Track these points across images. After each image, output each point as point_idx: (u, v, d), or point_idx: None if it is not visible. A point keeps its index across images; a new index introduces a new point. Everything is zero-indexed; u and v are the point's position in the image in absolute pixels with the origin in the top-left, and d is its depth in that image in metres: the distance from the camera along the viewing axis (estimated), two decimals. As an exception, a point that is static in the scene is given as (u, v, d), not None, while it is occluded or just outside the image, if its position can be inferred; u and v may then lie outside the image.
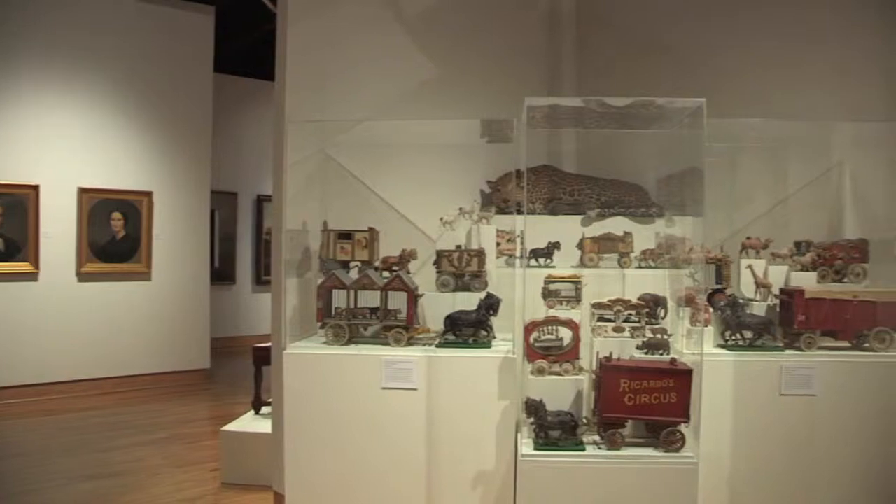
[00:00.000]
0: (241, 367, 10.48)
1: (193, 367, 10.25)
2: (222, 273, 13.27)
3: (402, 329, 4.23)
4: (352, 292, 4.32)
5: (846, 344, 4.33)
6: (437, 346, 4.19)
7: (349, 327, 4.28)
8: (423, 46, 5.54)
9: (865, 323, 4.26)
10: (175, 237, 10.08)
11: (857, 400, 4.16)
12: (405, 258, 4.47)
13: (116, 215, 9.60)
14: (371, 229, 4.52)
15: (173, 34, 10.07)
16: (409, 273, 4.45)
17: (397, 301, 4.29)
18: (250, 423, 6.14)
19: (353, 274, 4.46)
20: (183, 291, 10.17)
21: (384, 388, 4.08)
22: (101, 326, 9.46)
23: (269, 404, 5.98)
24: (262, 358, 6.23)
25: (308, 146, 4.85)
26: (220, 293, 12.63)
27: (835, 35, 5.23)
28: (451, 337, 4.20)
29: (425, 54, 5.55)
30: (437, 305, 4.40)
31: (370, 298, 4.33)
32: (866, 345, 4.27)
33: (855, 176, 5.04)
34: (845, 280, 4.51)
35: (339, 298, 4.35)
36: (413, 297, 4.27)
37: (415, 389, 4.07)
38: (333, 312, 4.35)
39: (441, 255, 4.50)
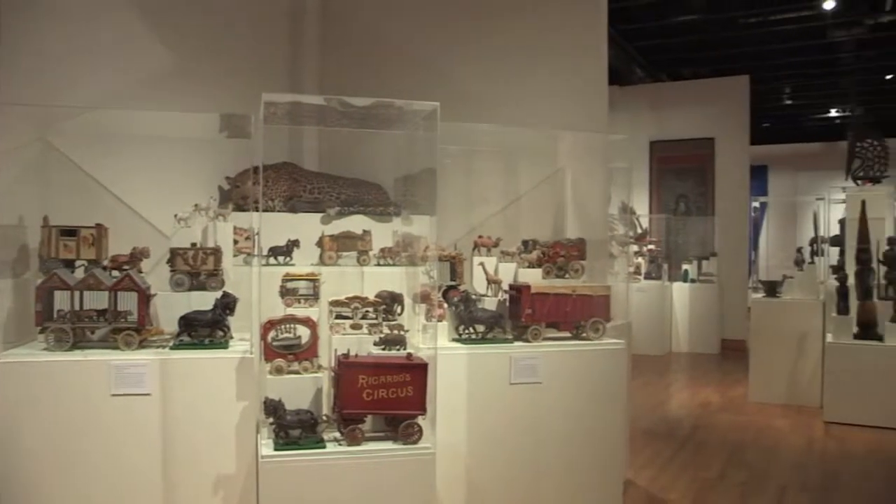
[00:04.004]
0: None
1: None
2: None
3: (133, 331, 3.97)
4: (76, 293, 4.00)
5: (567, 334, 4.71)
6: (171, 347, 3.99)
7: (73, 331, 3.95)
8: (160, 34, 5.26)
9: (583, 314, 4.67)
10: None
11: (577, 384, 4.57)
12: (136, 256, 4.21)
13: None
14: (99, 226, 4.20)
15: None
16: (140, 272, 4.20)
17: (128, 302, 4.03)
18: (-44, 444, 5.46)
19: (79, 273, 4.13)
20: None
21: (114, 395, 3.80)
22: None
23: (-21, 420, 5.36)
24: (-28, 368, 5.58)
25: (25, 132, 4.44)
26: (-77, 297, 11.12)
27: (559, 53, 5.70)
28: (186, 338, 4.02)
29: (162, 42, 5.28)
30: (172, 306, 4.18)
31: (98, 300, 4.03)
32: (584, 334, 4.68)
33: (574, 181, 5.51)
34: (567, 276, 4.90)
35: (63, 300, 4.00)
36: (145, 298, 4.03)
37: (148, 394, 3.84)
38: (55, 315, 4.00)
39: (175, 254, 4.29)
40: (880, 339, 8.30)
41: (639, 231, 13.37)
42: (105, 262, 4.20)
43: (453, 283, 4.71)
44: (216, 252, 4.32)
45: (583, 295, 4.66)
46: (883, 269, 8.44)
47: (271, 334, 3.86)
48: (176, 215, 4.42)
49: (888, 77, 16.47)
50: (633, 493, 5.93)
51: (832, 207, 9.69)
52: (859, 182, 9.21)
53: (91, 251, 4.16)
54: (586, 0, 5.94)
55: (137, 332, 3.98)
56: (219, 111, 4.80)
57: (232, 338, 4.10)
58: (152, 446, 3.85)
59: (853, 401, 8.27)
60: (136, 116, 4.69)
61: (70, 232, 4.14)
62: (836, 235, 9.13)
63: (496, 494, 4.43)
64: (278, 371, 3.84)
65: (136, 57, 5.14)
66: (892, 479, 6.62)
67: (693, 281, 14.20)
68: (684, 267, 14.37)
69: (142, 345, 3.99)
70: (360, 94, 4.24)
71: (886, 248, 8.43)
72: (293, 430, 3.63)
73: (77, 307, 4.00)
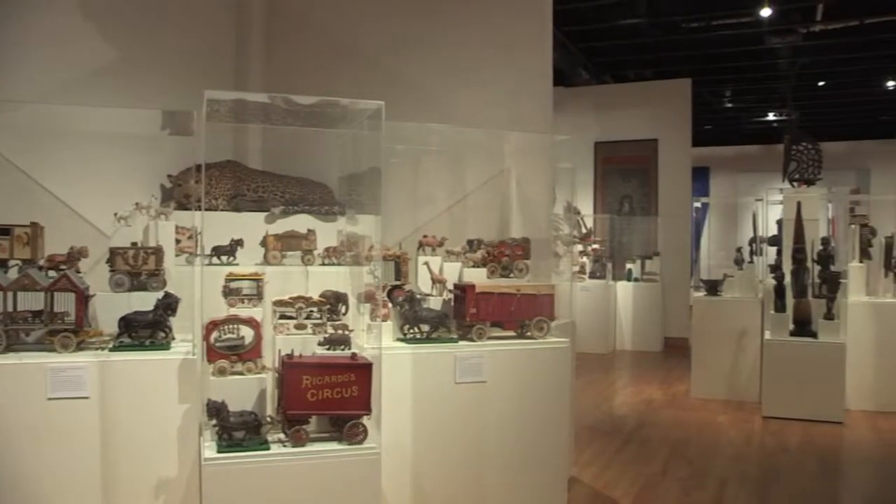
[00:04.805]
0: None
1: None
2: None
3: (71, 333, 3.87)
4: (10, 294, 3.89)
5: (512, 333, 4.74)
6: (110, 349, 3.90)
7: (6, 333, 3.83)
8: (100, 27, 5.15)
9: (527, 313, 4.70)
10: None
11: (522, 383, 4.60)
12: (74, 256, 4.10)
13: None
14: (34, 224, 4.09)
15: None
16: (78, 272, 4.10)
17: (65, 303, 3.93)
18: None
19: (13, 274, 4.01)
20: None
21: (50, 399, 3.69)
22: None
23: None
24: None
25: (-44, 127, 4.32)
26: None
27: (504, 53, 5.75)
28: (126, 339, 3.93)
29: (102, 36, 5.16)
30: (112, 307, 4.08)
31: (33, 301, 3.92)
32: (528, 333, 4.72)
33: (519, 181, 5.56)
34: (511, 275, 4.94)
35: (-5, 302, 3.89)
36: (83, 298, 3.94)
37: (87, 398, 3.74)
38: (-13, 317, 3.88)
39: (115, 253, 4.20)
40: (814, 335, 8.56)
41: (583, 231, 13.53)
42: (41, 262, 4.08)
43: (398, 282, 4.70)
44: (157, 251, 4.25)
45: (527, 294, 4.70)
46: (817, 268, 8.71)
47: (214, 335, 3.81)
48: (116, 214, 4.34)
49: (821, 83, 17.01)
50: (577, 490, 6.00)
51: (770, 208, 9.94)
52: (795, 184, 9.48)
53: (26, 250, 4.05)
54: (532, 1, 6.00)
55: (75, 333, 3.89)
56: (161, 108, 4.71)
57: (174, 339, 4.03)
58: (91, 451, 3.76)
59: (789, 396, 8.51)
60: (75, 112, 4.60)
61: (3, 230, 4.02)
62: (773, 235, 9.37)
63: (442, 493, 4.44)
64: (221, 372, 3.79)
65: (75, 51, 5.02)
66: (825, 471, 6.83)
67: (637, 280, 14.43)
68: (628, 266, 14.59)
69: (80, 347, 3.90)
70: (305, 93, 4.21)
71: (820, 247, 8.70)
72: (237, 431, 3.59)
73: (10, 308, 3.89)
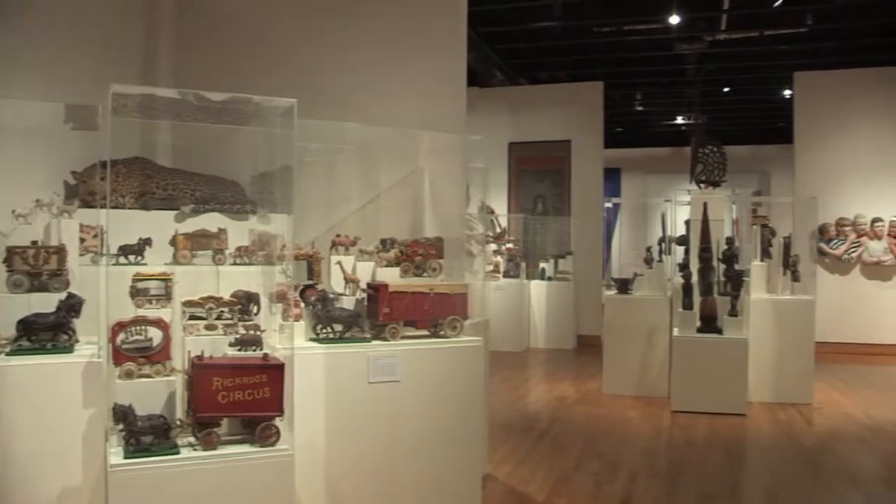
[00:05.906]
0: None
1: None
2: None
3: (-36, 337, 3.72)
4: None
5: (425, 332, 4.76)
6: (7, 354, 3.74)
7: None
8: (-1, 16, 4.94)
9: (440, 312, 4.74)
10: None
11: (436, 382, 4.63)
12: (-32, 256, 3.94)
13: None
14: (-76, 223, 3.91)
15: None
16: (-27, 273, 3.94)
17: (-43, 305, 3.76)
18: None
19: None
20: None
21: (-59, 407, 3.54)
22: None
23: None
24: None
25: None
26: None
27: (418, 53, 5.77)
28: (25, 343, 3.78)
29: (2, 24, 4.93)
30: (10, 308, 3.90)
31: (-78, 304, 3.75)
32: (442, 332, 4.75)
33: (433, 180, 5.59)
34: (424, 274, 4.96)
35: None
36: (-23, 300, 3.78)
37: (-20, 405, 3.59)
38: None
39: (13, 252, 4.02)
40: (719, 331, 8.87)
41: (497, 230, 13.67)
42: (-70, 262, 3.90)
43: (310, 282, 4.67)
44: (60, 251, 4.10)
45: (440, 293, 4.73)
46: (722, 266, 9.04)
47: (121, 336, 3.71)
48: (14, 211, 4.16)
49: (725, 90, 17.69)
50: (492, 487, 6.07)
51: (678, 209, 10.24)
52: (702, 186, 9.81)
53: (-86, 251, 3.86)
54: (447, 2, 6.04)
55: (-31, 338, 3.72)
56: (63, 101, 4.55)
57: (78, 341, 3.90)
58: (-13, 461, 3.60)
59: (696, 390, 8.79)
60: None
61: None
62: (682, 235, 9.66)
63: (356, 494, 4.44)
64: (128, 375, 3.69)
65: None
66: (729, 462, 7.11)
67: (550, 279, 14.65)
68: (542, 265, 14.81)
69: (-27, 352, 3.73)
70: (216, 89, 4.13)
71: (725, 247, 9.03)
72: (144, 436, 3.51)
73: None
